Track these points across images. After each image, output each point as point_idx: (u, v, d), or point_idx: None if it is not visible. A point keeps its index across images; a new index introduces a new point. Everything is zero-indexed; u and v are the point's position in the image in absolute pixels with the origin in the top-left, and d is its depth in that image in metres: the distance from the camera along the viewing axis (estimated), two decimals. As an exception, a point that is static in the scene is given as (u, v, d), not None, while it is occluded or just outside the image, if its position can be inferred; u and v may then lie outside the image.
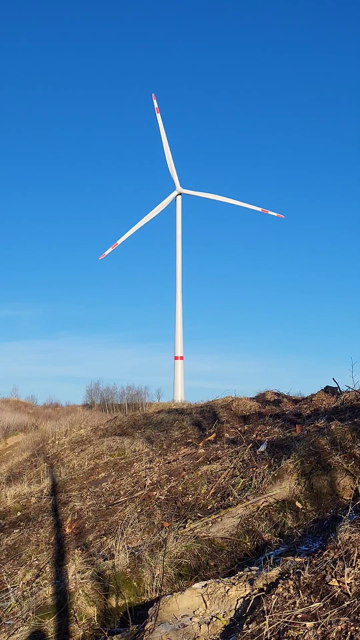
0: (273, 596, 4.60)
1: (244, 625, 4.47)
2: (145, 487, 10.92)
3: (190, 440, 14.03)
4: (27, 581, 8.23)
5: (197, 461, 11.22)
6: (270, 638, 4.15)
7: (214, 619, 4.91)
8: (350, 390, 12.67)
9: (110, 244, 52.81)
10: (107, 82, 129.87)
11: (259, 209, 52.89)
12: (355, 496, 7.34)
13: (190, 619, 4.99)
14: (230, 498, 8.54)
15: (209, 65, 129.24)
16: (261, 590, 4.94)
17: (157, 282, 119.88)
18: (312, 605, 4.32)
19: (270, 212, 53.25)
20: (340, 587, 4.40)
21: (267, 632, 4.20)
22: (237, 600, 5.04)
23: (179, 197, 52.20)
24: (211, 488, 9.42)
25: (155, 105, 53.19)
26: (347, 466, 7.92)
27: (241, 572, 5.60)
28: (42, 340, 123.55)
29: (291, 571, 4.93)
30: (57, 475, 14.94)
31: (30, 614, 6.46)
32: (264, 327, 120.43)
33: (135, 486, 11.34)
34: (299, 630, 4.09)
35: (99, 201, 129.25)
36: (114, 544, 8.15)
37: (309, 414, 13.02)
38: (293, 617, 4.26)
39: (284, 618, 4.28)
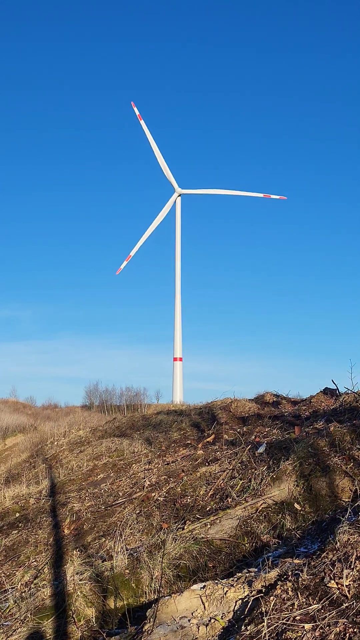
0: (271, 598, 4.60)
1: (243, 627, 4.46)
2: (144, 488, 10.92)
3: (189, 442, 14.03)
4: (26, 582, 8.23)
5: (195, 462, 11.22)
6: (269, 640, 4.15)
7: (212, 620, 4.91)
8: (349, 391, 12.68)
9: (125, 258, 53.22)
10: (109, 83, 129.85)
11: (261, 195, 52.98)
12: (354, 498, 7.35)
13: (189, 620, 4.99)
14: (229, 499, 8.54)
15: (204, 66, 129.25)
16: (260, 591, 4.94)
17: (157, 283, 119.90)
18: (310, 607, 4.32)
19: (272, 196, 53.35)
20: (338, 588, 4.40)
21: (265, 633, 4.20)
22: (236, 601, 5.04)
23: (178, 198, 52.30)
24: (210, 489, 9.42)
25: (137, 112, 52.97)
26: (346, 468, 7.93)
27: (240, 574, 5.60)
28: (42, 340, 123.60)
29: (290, 573, 4.93)
30: (55, 477, 14.94)
31: (29, 615, 6.46)
32: (263, 329, 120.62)
33: (134, 487, 11.33)
34: (297, 631, 4.09)
35: (99, 201, 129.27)
36: (112, 545, 8.15)
37: (308, 416, 13.03)
38: (291, 618, 4.26)
39: (283, 620, 4.28)
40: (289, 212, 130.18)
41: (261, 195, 53.14)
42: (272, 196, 53.30)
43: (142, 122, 52.75)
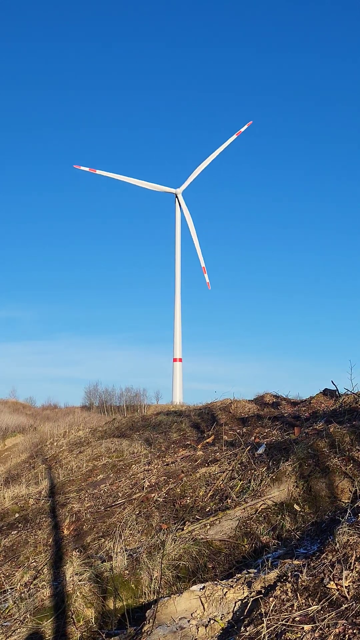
0: (271, 599, 4.60)
1: (242, 628, 4.47)
2: (143, 489, 10.92)
3: (188, 443, 14.03)
4: (25, 583, 8.22)
5: (195, 463, 11.23)
6: (268, 641, 4.15)
7: (211, 621, 4.91)
8: (348, 392, 12.69)
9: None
10: (108, 82, 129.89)
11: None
12: (353, 499, 7.35)
13: (188, 621, 4.99)
14: (229, 500, 8.54)
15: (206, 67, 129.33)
16: (259, 592, 4.94)
17: (157, 283, 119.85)
18: (310, 608, 4.32)
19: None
20: (338, 590, 4.41)
21: (264, 634, 4.20)
22: (235, 602, 5.04)
23: (178, 198, 52.27)
24: (209, 490, 9.42)
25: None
26: (346, 469, 7.93)
27: (239, 575, 5.60)
28: (41, 341, 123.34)
29: (289, 574, 4.93)
30: (55, 477, 14.94)
31: (28, 616, 6.46)
32: (263, 329, 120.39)
33: (133, 488, 11.33)
34: (296, 633, 4.10)
35: (99, 201, 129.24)
36: (112, 546, 8.15)
37: (308, 417, 13.04)
38: (291, 619, 4.26)
39: (282, 621, 4.28)
40: (291, 213, 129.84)
41: (234, 136, 52.94)
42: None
43: (97, 172, 51.88)
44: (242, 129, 53.73)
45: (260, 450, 10.14)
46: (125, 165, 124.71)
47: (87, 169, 52.01)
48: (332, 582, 4.50)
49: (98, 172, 51.95)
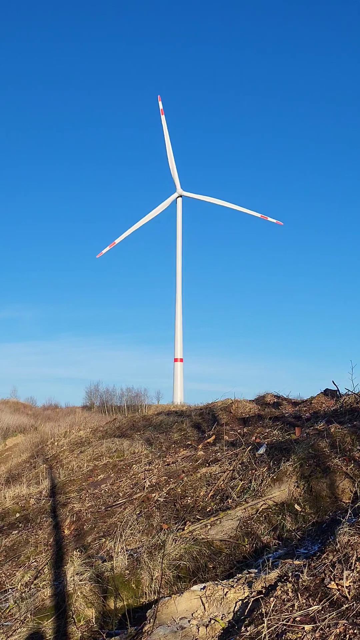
0: (272, 599, 4.60)
1: (243, 628, 4.46)
2: (144, 489, 10.92)
3: (189, 443, 14.03)
4: (26, 582, 8.23)
5: (196, 463, 11.22)
6: (269, 641, 4.14)
7: (212, 621, 4.91)
8: (349, 393, 12.67)
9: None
10: (109, 82, 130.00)
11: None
12: (354, 499, 7.35)
13: (189, 621, 4.99)
14: (229, 500, 8.54)
15: (212, 67, 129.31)
16: (260, 592, 4.94)
17: (158, 283, 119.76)
18: (310, 608, 4.32)
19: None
20: (339, 590, 4.40)
21: (265, 634, 4.20)
22: (236, 602, 5.04)
23: (180, 200, 52.33)
24: (210, 490, 9.42)
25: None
26: (347, 469, 7.93)
27: (240, 575, 5.60)
28: (42, 341, 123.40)
29: (290, 574, 4.93)
30: (56, 477, 14.94)
31: (29, 616, 6.46)
32: (264, 330, 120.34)
33: (134, 488, 11.34)
34: (297, 633, 4.09)
35: (99, 202, 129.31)
36: (112, 546, 8.15)
37: (309, 417, 13.03)
38: (292, 619, 4.26)
39: (283, 621, 4.28)
40: (290, 214, 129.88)
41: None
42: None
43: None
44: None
45: (261, 451, 10.14)
46: (129, 163, 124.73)
47: (107, 248, 52.98)
48: (332, 582, 4.50)
49: (117, 241, 52.71)
